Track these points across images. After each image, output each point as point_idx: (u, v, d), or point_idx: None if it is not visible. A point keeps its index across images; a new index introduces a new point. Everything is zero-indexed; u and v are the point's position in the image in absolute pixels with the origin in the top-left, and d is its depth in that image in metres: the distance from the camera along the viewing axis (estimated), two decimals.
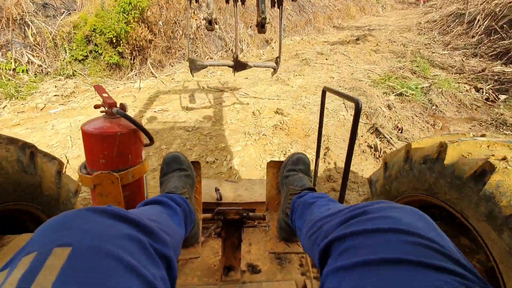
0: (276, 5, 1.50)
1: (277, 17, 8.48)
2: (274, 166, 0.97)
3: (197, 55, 6.01)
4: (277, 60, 1.71)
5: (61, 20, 4.71)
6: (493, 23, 5.38)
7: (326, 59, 5.82)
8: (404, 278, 0.30)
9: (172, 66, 5.64)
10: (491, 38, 5.19)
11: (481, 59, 4.89)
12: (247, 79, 4.72)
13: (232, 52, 1.67)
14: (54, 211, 0.99)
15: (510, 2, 5.29)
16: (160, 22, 4.92)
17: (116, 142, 0.82)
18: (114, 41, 4.53)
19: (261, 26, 1.35)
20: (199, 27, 5.64)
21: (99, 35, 4.44)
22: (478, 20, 5.81)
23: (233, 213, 0.84)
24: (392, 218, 0.37)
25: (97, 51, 4.61)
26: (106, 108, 0.85)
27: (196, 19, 5.45)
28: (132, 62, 4.91)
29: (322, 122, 1.00)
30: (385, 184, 1.06)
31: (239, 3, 1.53)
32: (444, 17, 8.16)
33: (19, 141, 0.89)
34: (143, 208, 0.61)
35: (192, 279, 0.87)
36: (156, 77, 4.94)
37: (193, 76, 2.19)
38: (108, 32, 4.40)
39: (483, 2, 6.31)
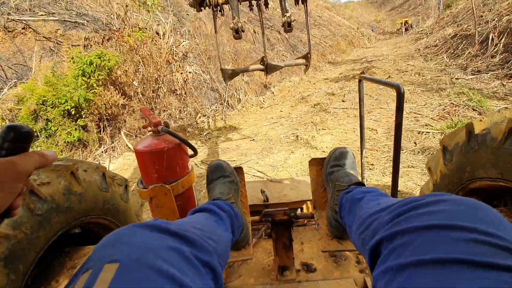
0: (300, 2, 1.48)
1: (275, 56, 7.77)
2: (316, 163, 0.95)
3: (186, 113, 4.88)
4: (307, 56, 1.64)
5: (5, 93, 3.57)
6: None
7: (343, 101, 4.76)
8: (452, 279, 0.27)
9: None
10: None
11: None
12: (254, 142, 3.52)
13: (264, 57, 1.70)
14: (124, 223, 1.04)
15: None
16: (135, 82, 3.85)
17: (164, 157, 0.87)
18: (73, 112, 3.38)
19: (287, 25, 1.34)
20: (186, 81, 4.61)
21: (52, 107, 3.27)
22: (493, 39, 5.26)
23: (280, 214, 0.86)
24: (443, 212, 0.34)
25: (50, 128, 3.42)
26: (153, 127, 0.93)
27: (182, 73, 4.43)
28: (100, 136, 3.71)
29: (362, 112, 1.00)
30: (447, 170, 0.96)
31: (263, 7, 1.56)
32: (448, 39, 7.58)
33: (93, 163, 1.01)
34: (190, 217, 0.65)
35: (249, 279, 0.86)
36: (133, 151, 3.69)
37: (226, 85, 2.28)
38: (64, 103, 3.25)
39: (493, 20, 5.80)
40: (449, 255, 0.28)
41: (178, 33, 5.59)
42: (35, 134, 3.47)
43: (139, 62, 4.28)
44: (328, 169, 0.87)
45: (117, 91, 3.85)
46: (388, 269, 0.34)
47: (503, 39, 5.02)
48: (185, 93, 4.93)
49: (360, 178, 0.79)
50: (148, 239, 0.38)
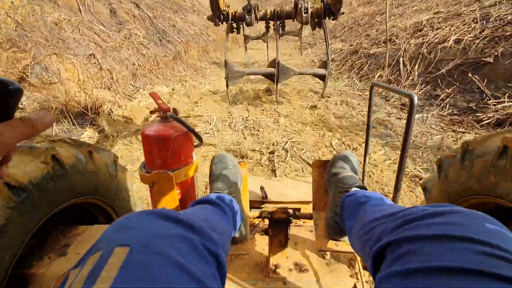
0: (317, 27, 1.54)
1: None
2: (320, 165, 0.98)
3: None
4: (325, 64, 1.50)
5: None
6: (430, 69, 3.86)
7: (273, 170, 2.17)
8: (460, 286, 0.29)
9: None
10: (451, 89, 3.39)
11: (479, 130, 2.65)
12: None
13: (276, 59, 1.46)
14: (115, 202, 1.05)
15: (439, 43, 3.90)
16: None
17: (171, 144, 0.89)
18: None
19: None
20: None
21: None
22: (404, 64, 4.29)
23: (280, 212, 0.88)
24: (454, 224, 0.35)
25: None
26: (161, 113, 0.93)
27: None
28: None
29: (370, 118, 1.02)
30: (442, 189, 0.96)
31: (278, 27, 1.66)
32: (347, 56, 6.13)
33: (77, 141, 0.97)
34: (193, 208, 0.67)
35: (241, 274, 0.90)
36: None
37: (227, 87, 1.61)
38: None
39: (405, 42, 4.70)
40: (462, 265, 0.30)
41: None
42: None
43: None
44: (332, 170, 0.90)
45: None
46: (395, 273, 0.35)
47: (416, 66, 4.09)
48: None
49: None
50: (158, 226, 0.40)
